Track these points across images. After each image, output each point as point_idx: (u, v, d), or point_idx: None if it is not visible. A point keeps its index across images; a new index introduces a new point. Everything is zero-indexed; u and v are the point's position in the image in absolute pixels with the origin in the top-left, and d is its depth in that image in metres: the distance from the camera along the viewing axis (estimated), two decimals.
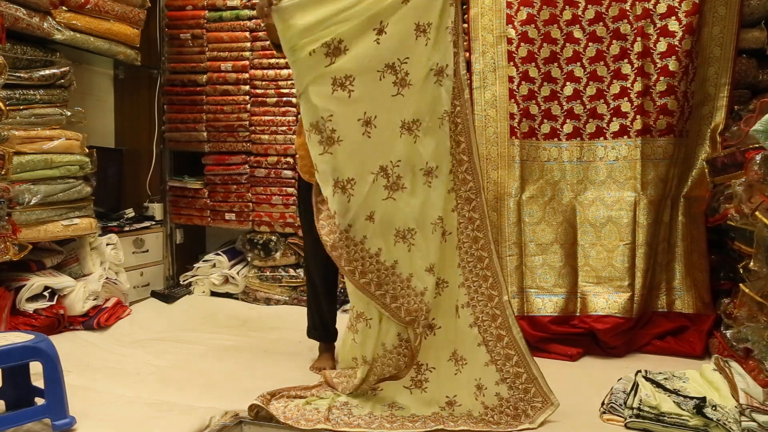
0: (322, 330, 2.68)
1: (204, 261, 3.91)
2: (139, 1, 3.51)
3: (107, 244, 3.37)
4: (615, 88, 3.02)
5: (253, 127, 3.75)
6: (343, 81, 2.05)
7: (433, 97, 2.16)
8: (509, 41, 3.10)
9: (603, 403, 2.16)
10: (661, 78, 2.94)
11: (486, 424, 2.06)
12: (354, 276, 2.11)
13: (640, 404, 2.04)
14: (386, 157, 2.11)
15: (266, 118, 3.72)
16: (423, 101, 2.15)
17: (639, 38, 2.95)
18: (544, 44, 3.05)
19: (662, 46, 2.94)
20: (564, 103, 3.08)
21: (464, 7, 3.37)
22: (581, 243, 3.05)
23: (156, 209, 3.96)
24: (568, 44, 3.05)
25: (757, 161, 2.18)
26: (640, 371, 2.28)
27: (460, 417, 2.10)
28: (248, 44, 3.75)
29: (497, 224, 3.10)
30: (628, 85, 2.99)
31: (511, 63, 3.10)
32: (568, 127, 3.08)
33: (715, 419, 1.93)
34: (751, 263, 2.19)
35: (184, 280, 3.93)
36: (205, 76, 3.85)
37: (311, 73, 2.04)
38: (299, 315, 3.12)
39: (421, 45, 2.12)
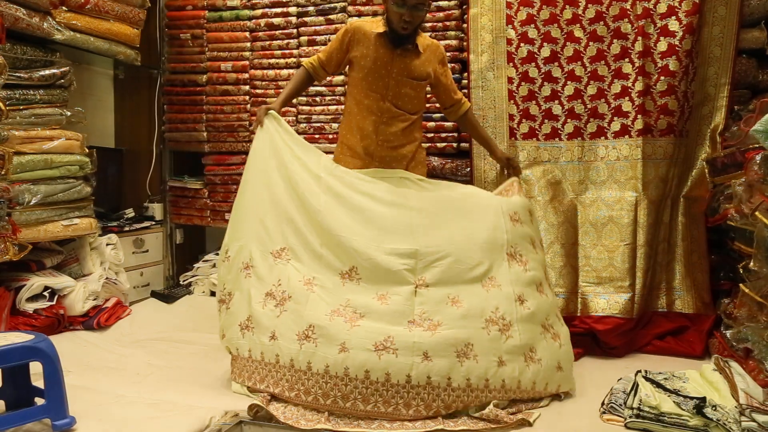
0: None
1: (204, 261, 3.91)
2: (139, 1, 3.51)
3: (107, 244, 3.37)
4: (616, 88, 3.02)
5: (253, 127, 3.75)
6: None
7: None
8: (509, 42, 3.10)
9: (603, 403, 2.16)
10: (662, 77, 2.94)
11: (486, 424, 2.06)
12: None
13: (640, 404, 2.04)
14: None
15: None
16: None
17: (640, 37, 2.95)
18: (545, 44, 3.05)
19: (663, 45, 2.93)
20: (565, 103, 3.08)
21: (464, 13, 3.38)
22: (582, 243, 3.04)
23: (156, 209, 3.96)
24: (568, 43, 3.05)
25: (757, 161, 2.18)
26: (640, 371, 2.28)
27: (459, 418, 2.10)
28: (248, 44, 3.75)
29: None
30: (629, 85, 2.99)
31: (511, 64, 3.09)
32: (568, 127, 3.08)
33: (715, 419, 1.93)
34: (751, 263, 2.18)
35: (184, 280, 3.93)
36: (205, 76, 3.85)
37: None
38: None
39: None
